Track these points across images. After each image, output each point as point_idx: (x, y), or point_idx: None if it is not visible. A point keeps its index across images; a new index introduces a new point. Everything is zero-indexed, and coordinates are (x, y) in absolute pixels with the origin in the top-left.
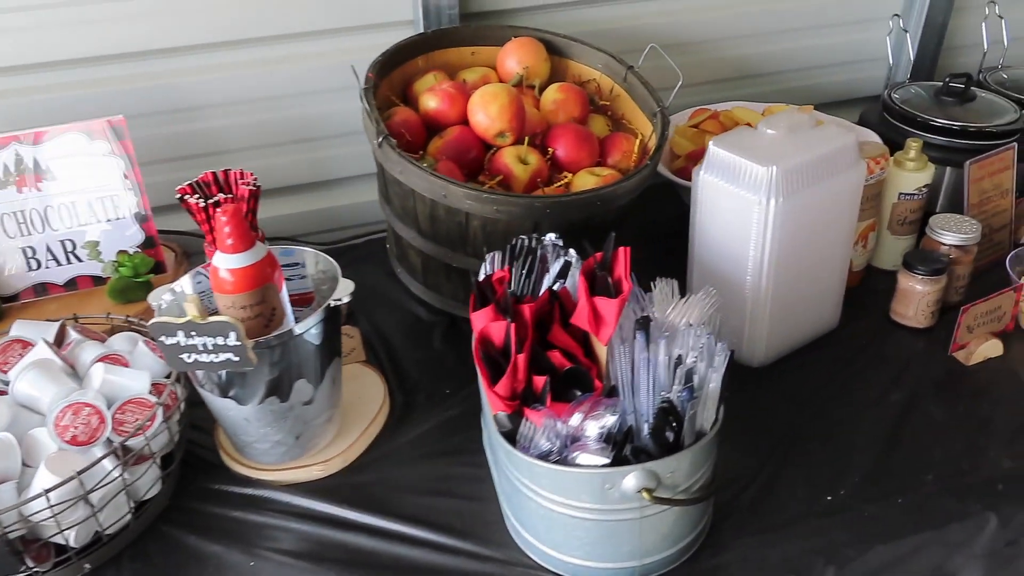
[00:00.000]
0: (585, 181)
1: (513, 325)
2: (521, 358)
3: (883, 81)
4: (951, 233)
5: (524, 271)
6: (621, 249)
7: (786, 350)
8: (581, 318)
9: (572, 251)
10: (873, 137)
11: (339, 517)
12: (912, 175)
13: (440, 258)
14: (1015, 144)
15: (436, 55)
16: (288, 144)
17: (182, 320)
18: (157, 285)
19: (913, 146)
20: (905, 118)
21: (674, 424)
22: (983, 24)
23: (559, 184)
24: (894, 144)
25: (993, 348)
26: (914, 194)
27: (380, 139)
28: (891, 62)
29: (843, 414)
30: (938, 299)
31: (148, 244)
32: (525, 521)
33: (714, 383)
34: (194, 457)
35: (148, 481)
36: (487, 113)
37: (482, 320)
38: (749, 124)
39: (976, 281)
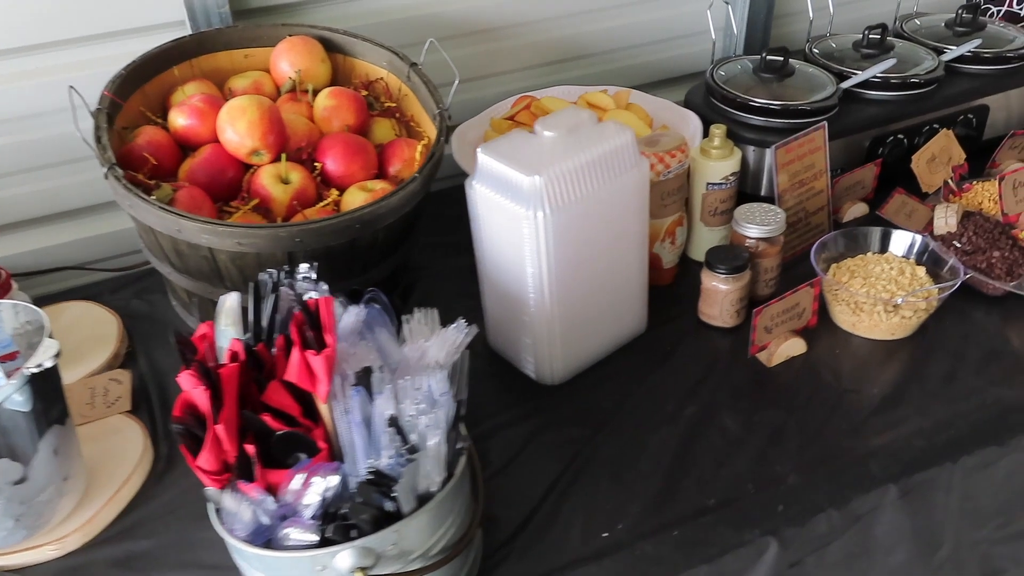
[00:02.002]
0: (354, 198)
1: (208, 392)
2: (220, 429)
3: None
4: (755, 226)
5: (272, 310)
6: (323, 299)
7: (587, 363)
8: (293, 373)
9: (324, 285)
10: (694, 119)
11: None
12: (718, 164)
13: (200, 293)
14: (824, 124)
15: (203, 61)
16: (59, 165)
17: None
18: None
19: (716, 133)
20: (725, 98)
21: (390, 493)
22: None
23: (325, 204)
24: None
25: (795, 347)
26: (722, 183)
27: (106, 170)
28: (713, 36)
29: (636, 433)
30: (742, 296)
31: None
32: None
33: (435, 440)
34: None
35: None
36: (236, 130)
37: (186, 383)
38: None
39: (792, 269)
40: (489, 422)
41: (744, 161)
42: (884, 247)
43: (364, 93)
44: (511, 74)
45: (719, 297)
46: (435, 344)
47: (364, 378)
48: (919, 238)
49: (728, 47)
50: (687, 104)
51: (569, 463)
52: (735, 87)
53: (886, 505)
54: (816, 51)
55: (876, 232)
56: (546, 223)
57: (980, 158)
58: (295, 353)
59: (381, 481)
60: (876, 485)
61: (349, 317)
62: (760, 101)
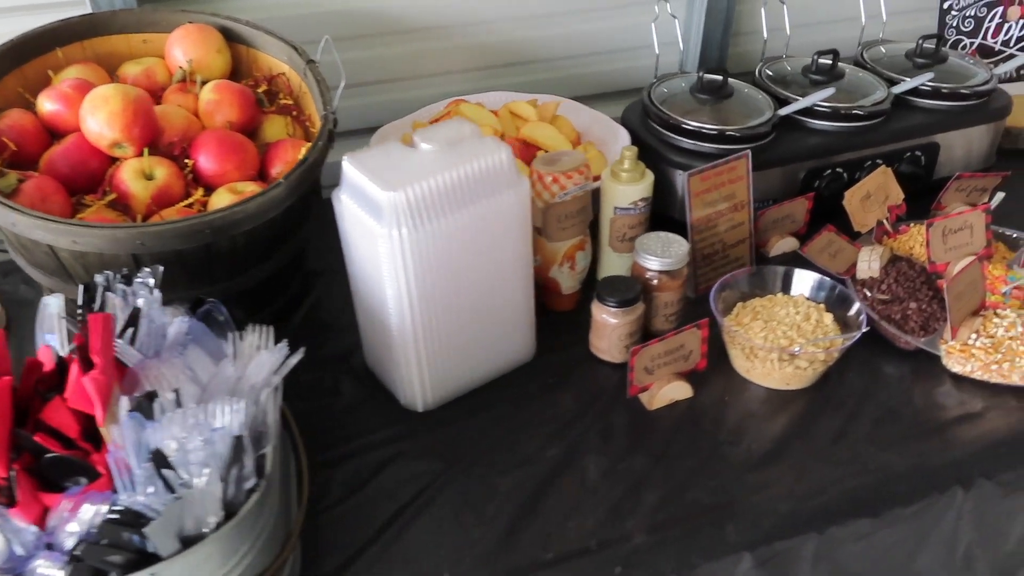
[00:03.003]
0: (220, 200)
1: None
2: None
3: (670, 70)
4: (654, 257)
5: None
6: (95, 316)
7: (460, 390)
8: (72, 393)
9: (157, 292)
10: (624, 136)
11: None
12: (627, 188)
13: (54, 288)
14: (747, 153)
15: (97, 44)
16: None
17: None
18: None
19: (627, 155)
20: (659, 118)
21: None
22: (762, 10)
23: (187, 203)
24: (644, 144)
25: (679, 390)
26: (630, 208)
27: None
28: (657, 51)
29: (491, 471)
30: (634, 331)
31: None
32: None
33: (204, 478)
34: None
35: None
36: (96, 120)
37: None
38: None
39: (705, 302)
40: (345, 446)
41: (672, 186)
42: (786, 288)
43: (263, 88)
44: (447, 76)
45: (608, 330)
46: (253, 367)
47: (143, 404)
48: (828, 281)
49: (684, 63)
50: (624, 120)
51: (414, 499)
52: (671, 107)
53: (737, 575)
54: (770, 72)
55: (779, 272)
56: (403, 243)
57: (927, 199)
58: (73, 371)
59: (134, 520)
60: (729, 551)
61: (172, 330)
62: (692, 124)
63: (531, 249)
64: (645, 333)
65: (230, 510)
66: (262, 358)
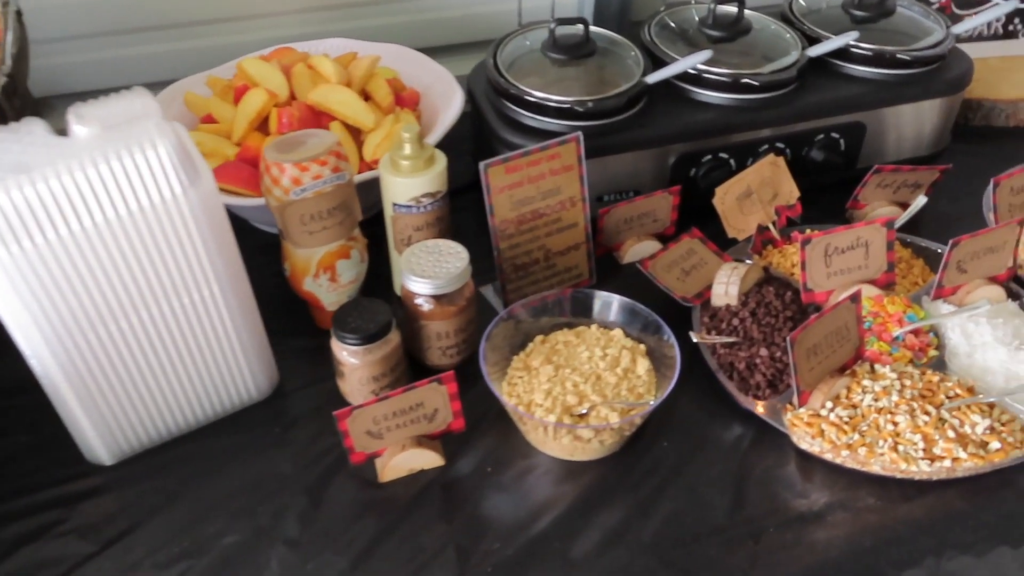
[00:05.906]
0: None
1: None
2: None
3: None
4: (420, 279)
5: None
6: None
7: (163, 437)
8: None
9: None
10: (456, 103)
11: None
12: (406, 180)
13: None
14: (578, 135)
15: None
16: None
17: None
18: None
19: (406, 138)
20: (499, 85)
21: None
22: None
23: None
24: (482, 117)
25: (421, 458)
26: (411, 206)
27: None
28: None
29: (149, 562)
30: (382, 372)
31: None
32: None
33: None
34: None
35: None
36: None
37: None
38: (249, 84)
39: None
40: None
41: None
42: (585, 315)
43: None
44: (278, 18)
45: (348, 371)
46: None
47: None
48: (642, 309)
49: (579, 8)
50: (469, 83)
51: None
52: (518, 69)
53: None
54: (671, 23)
55: (567, 297)
56: (5, 263)
57: (848, 194)
58: None
59: None
60: None
61: None
62: (534, 95)
63: (239, 263)
64: (417, 369)
65: None
66: None
